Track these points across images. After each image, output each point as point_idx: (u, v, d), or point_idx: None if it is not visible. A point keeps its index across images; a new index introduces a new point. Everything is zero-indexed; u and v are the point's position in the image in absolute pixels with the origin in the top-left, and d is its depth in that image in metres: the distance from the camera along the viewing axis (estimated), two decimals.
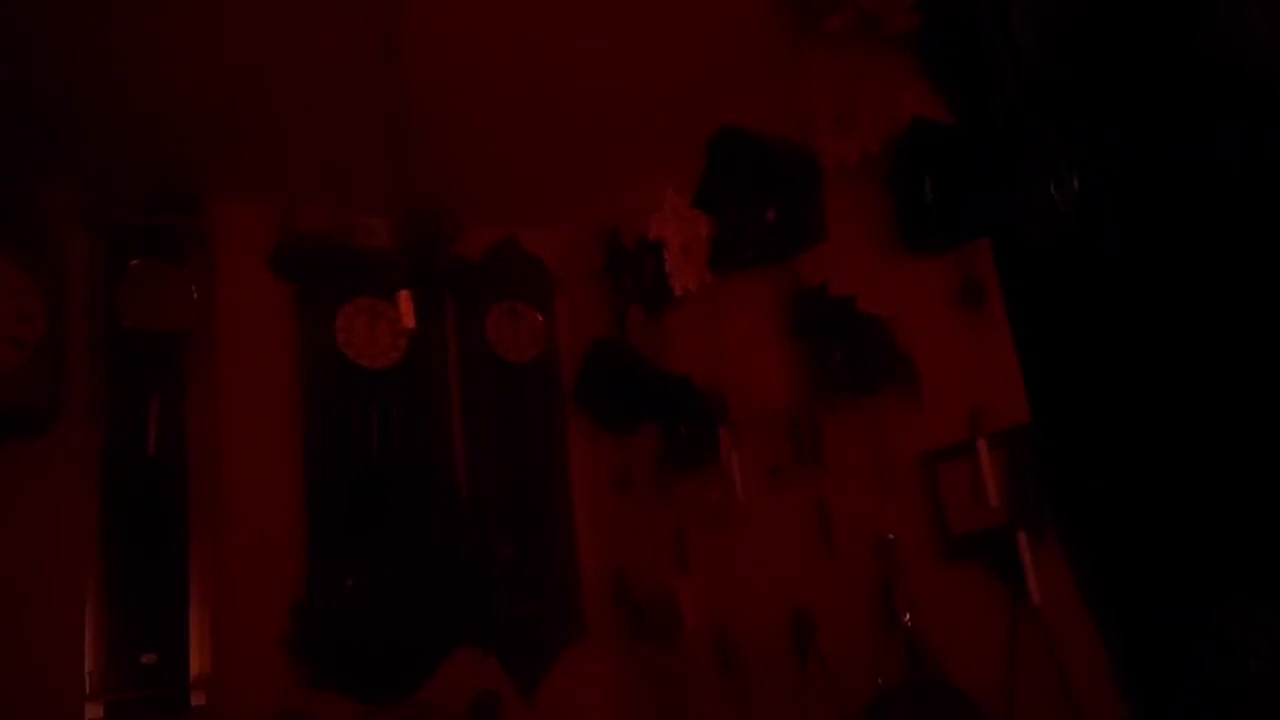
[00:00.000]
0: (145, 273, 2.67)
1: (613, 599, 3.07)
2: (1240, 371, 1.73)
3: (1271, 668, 1.67)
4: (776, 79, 2.52)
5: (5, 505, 2.45)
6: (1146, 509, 1.89)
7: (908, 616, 2.22)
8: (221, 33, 2.20)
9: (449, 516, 3.00)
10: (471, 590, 2.95)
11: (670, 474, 2.90)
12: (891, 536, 2.28)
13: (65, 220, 2.63)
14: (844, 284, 2.42)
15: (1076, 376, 1.99)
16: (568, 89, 2.58)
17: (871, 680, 2.25)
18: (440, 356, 3.16)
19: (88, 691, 2.38)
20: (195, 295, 2.72)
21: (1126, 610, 1.92)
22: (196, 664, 2.51)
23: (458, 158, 2.81)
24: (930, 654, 2.18)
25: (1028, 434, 2.04)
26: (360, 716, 2.67)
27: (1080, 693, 1.92)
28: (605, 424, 3.14)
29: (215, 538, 2.61)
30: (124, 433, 2.56)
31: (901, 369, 2.28)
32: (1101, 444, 1.95)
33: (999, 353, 2.08)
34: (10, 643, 2.37)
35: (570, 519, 3.23)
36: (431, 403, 3.08)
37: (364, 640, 2.72)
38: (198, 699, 2.49)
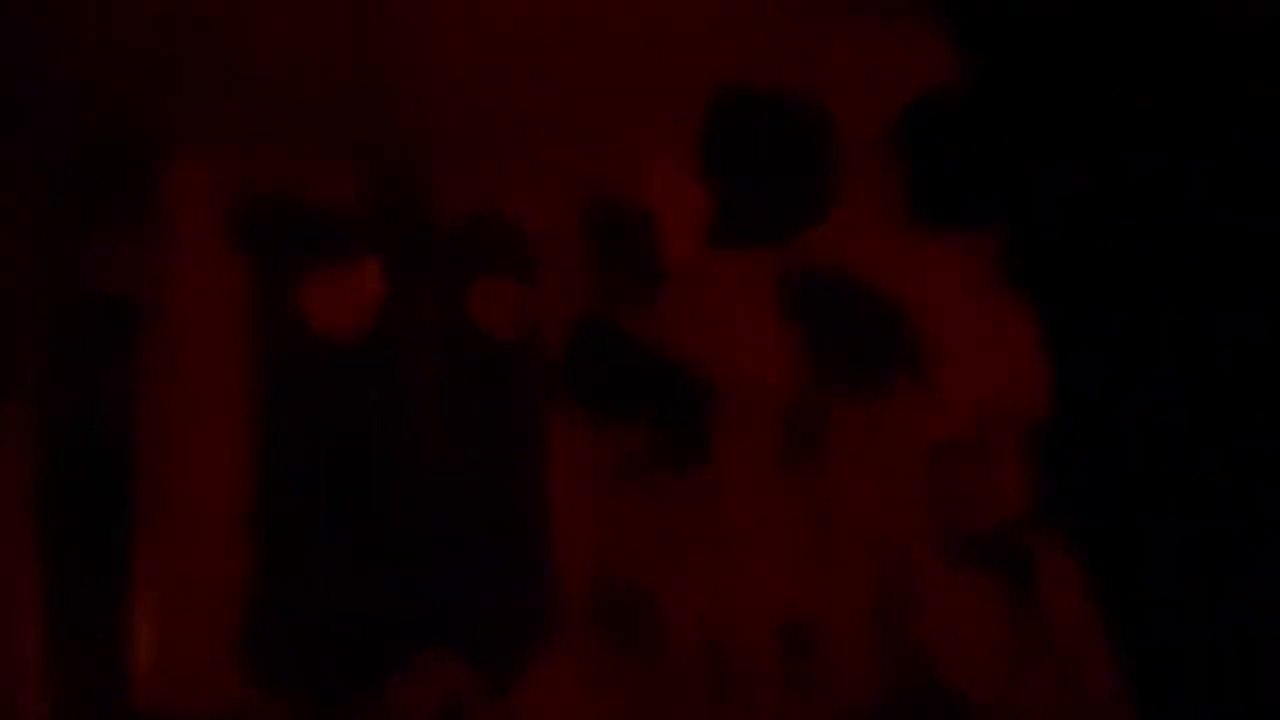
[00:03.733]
0: (93, 235, 2.55)
1: (593, 598, 2.99)
2: (1263, 370, 1.74)
3: None
4: (785, 38, 2.41)
5: None
6: (1169, 515, 1.90)
7: (911, 624, 2.17)
8: None
9: (417, 505, 2.86)
10: (440, 586, 2.81)
11: (658, 464, 2.77)
12: (895, 536, 2.22)
13: (6, 178, 2.49)
14: (851, 263, 2.33)
15: (1097, 371, 2.00)
16: (556, 44, 2.50)
17: (869, 690, 2.20)
18: (411, 331, 3.03)
19: (28, 688, 2.29)
20: (145, 259, 2.61)
21: (1141, 618, 1.95)
22: (143, 659, 2.42)
23: (435, 119, 2.71)
24: (933, 664, 2.14)
25: (1047, 430, 2.02)
26: (316, 717, 2.58)
27: (1090, 699, 1.93)
28: (589, 409, 3.06)
29: (164, 523, 2.51)
30: (67, 408, 2.46)
31: (911, 356, 2.23)
32: (1123, 443, 1.96)
33: (1018, 342, 2.05)
34: None
35: (550, 510, 3.14)
36: (403, 380, 2.94)
37: (321, 637, 2.62)
38: (143, 695, 2.40)
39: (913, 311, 2.24)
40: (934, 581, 2.17)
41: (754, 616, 2.50)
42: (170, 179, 2.68)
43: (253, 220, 2.79)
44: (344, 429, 2.81)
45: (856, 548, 2.31)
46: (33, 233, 2.52)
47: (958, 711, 2.07)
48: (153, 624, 2.45)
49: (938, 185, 2.18)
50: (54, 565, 2.39)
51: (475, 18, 2.40)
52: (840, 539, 2.35)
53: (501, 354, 3.17)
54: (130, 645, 2.43)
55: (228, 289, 2.75)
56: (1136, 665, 1.88)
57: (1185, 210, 1.83)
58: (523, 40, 2.47)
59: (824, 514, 2.38)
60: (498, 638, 2.92)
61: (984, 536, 2.10)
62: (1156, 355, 1.86)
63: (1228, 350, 1.77)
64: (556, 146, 2.97)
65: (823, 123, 2.38)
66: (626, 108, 2.76)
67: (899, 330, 2.24)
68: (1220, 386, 1.77)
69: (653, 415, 2.83)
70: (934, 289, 2.21)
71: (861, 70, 2.31)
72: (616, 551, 2.97)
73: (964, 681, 2.09)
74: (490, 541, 2.99)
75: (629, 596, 2.88)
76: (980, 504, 2.10)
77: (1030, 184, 2.04)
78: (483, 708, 2.83)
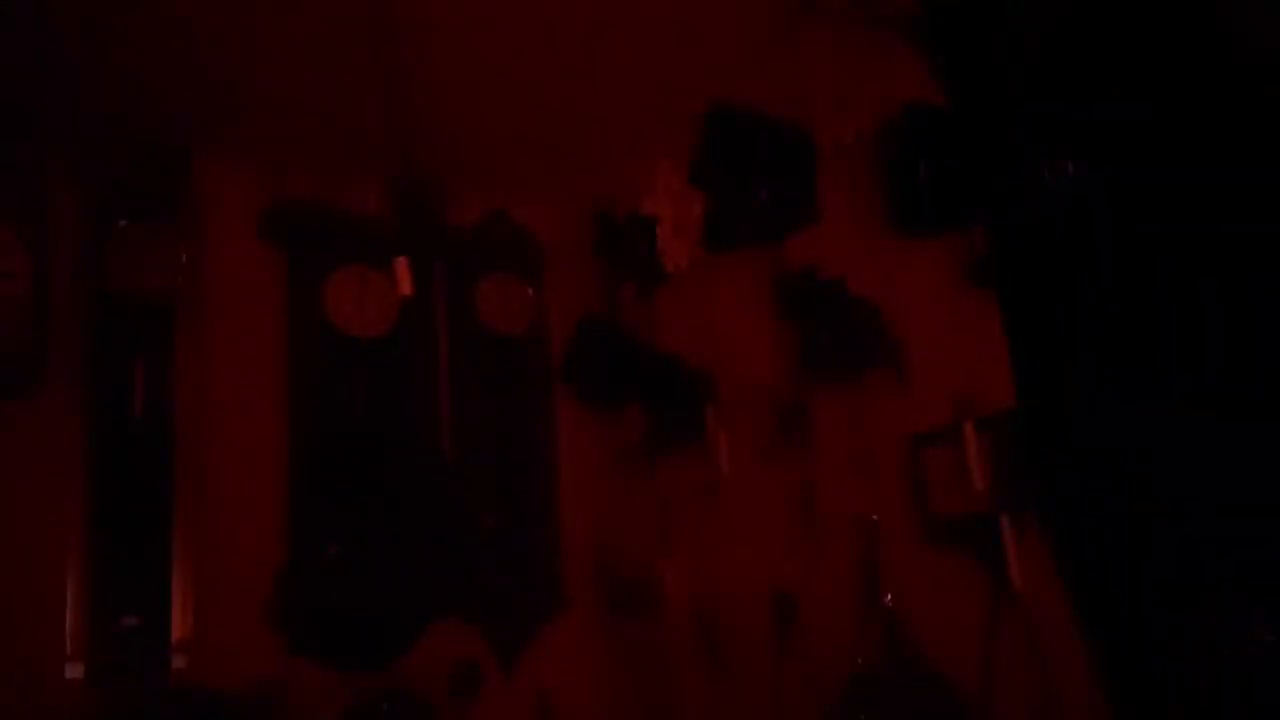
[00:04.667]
0: (133, 235, 2.64)
1: (595, 573, 3.09)
2: (1232, 359, 1.73)
3: (1251, 661, 1.66)
4: (772, 57, 2.50)
5: None
6: (1131, 497, 1.89)
7: (889, 597, 2.23)
8: None
9: (434, 487, 3.00)
10: (454, 561, 2.95)
11: (656, 451, 2.90)
12: (875, 518, 2.29)
13: (53, 180, 2.59)
14: (834, 265, 2.41)
15: (1065, 362, 1.99)
16: (563, 62, 2.55)
17: (851, 660, 2.26)
18: (429, 327, 3.14)
19: (69, 653, 2.39)
20: (183, 258, 2.70)
21: (1106, 598, 1.93)
22: (178, 628, 2.52)
23: (451, 128, 2.78)
24: (910, 635, 2.19)
25: (1014, 419, 2.05)
26: (340, 684, 2.67)
27: (1057, 677, 1.93)
28: (593, 400, 3.14)
29: (199, 503, 2.61)
30: (110, 396, 2.55)
31: (889, 352, 2.28)
32: (1088, 430, 1.95)
33: (987, 337, 2.07)
34: None
35: (555, 493, 3.23)
36: (419, 373, 3.07)
37: (346, 608, 2.73)
38: (179, 663, 2.50)
39: (889, 311, 2.30)
40: (909, 560, 2.23)
41: (745, 589, 2.59)
42: (207, 184, 2.79)
43: (285, 222, 2.91)
44: (366, 417, 2.90)
45: (839, 527, 2.38)
46: (78, 234, 2.61)
47: (933, 678, 2.12)
48: (190, 597, 2.55)
49: (913, 194, 2.22)
50: (96, 541, 2.49)
51: (491, 42, 2.46)
52: (823, 519, 2.44)
53: (510, 349, 3.25)
54: (168, 617, 2.53)
55: (261, 286, 2.86)
56: (1102, 640, 1.88)
57: (1149, 214, 1.83)
58: (533, 61, 2.54)
59: (808, 495, 2.46)
60: (509, 610, 3.03)
61: (956, 518, 2.12)
62: (1120, 347, 1.85)
63: (1191, 342, 1.76)
64: (563, 157, 3.07)
65: (807, 137, 2.44)
66: (627, 121, 2.85)
67: (877, 328, 2.31)
68: (1183, 376, 1.75)
69: (651, 406, 2.94)
70: (909, 290, 2.27)
71: (842, 89, 2.38)
72: (618, 530, 3.07)
73: (938, 651, 2.13)
74: (501, 521, 3.09)
75: (630, 572, 2.99)
76: (952, 488, 2.12)
77: (1001, 191, 2.04)
78: (496, 674, 2.95)
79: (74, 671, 2.41)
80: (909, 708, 2.19)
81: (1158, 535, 1.79)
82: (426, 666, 2.80)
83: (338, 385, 2.89)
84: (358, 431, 2.88)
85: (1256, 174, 1.68)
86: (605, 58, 2.56)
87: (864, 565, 2.30)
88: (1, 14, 2.14)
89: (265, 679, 2.56)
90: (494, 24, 2.36)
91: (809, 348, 2.44)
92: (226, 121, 2.70)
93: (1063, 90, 1.95)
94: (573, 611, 3.13)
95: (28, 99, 2.45)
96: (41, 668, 2.38)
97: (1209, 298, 1.74)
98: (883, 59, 2.27)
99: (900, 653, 2.19)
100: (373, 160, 2.78)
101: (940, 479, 2.18)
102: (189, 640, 2.52)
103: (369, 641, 2.75)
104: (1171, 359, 1.77)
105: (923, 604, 2.20)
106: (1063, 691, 1.92)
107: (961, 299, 2.15)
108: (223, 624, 2.58)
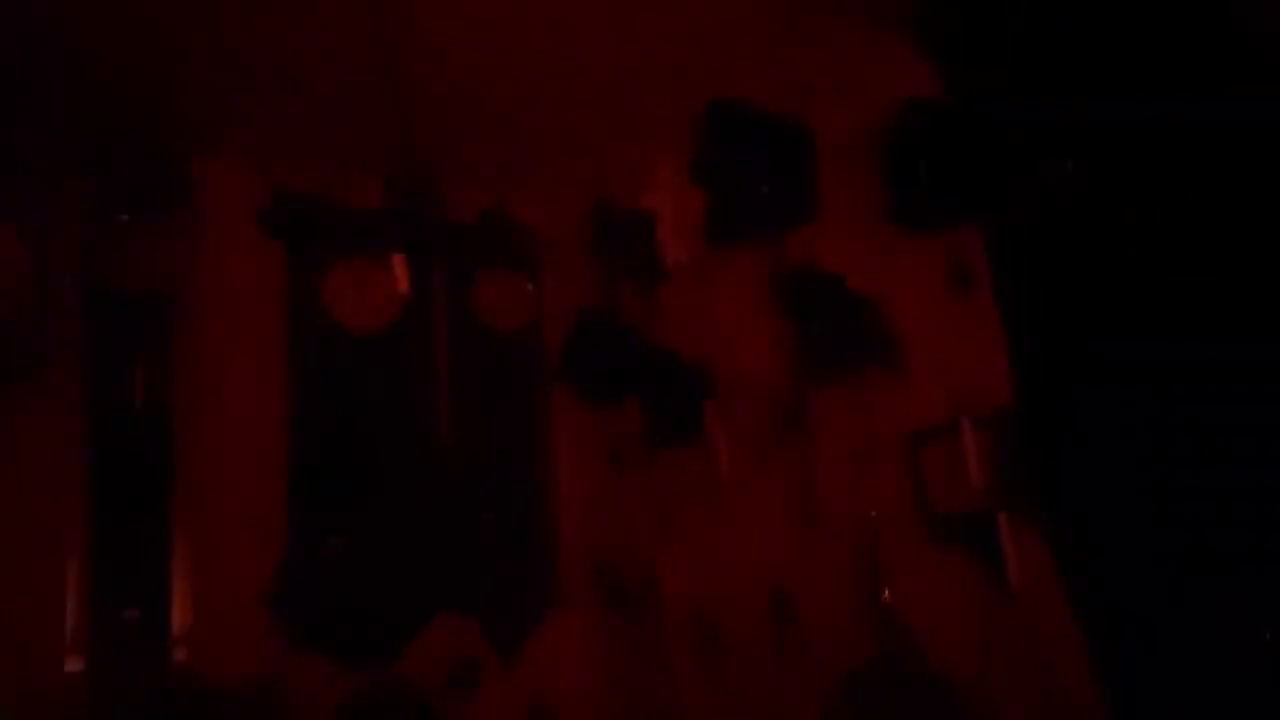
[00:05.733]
0: (132, 228, 2.64)
1: (593, 569, 3.09)
2: (1231, 354, 1.72)
3: (1251, 659, 1.67)
4: (773, 52, 2.49)
5: None
6: (1131, 495, 1.89)
7: (886, 594, 2.23)
8: None
9: (432, 481, 3.01)
10: (453, 556, 2.96)
11: (655, 447, 2.91)
12: (873, 515, 2.28)
13: (52, 173, 2.59)
14: (834, 262, 2.41)
15: (1064, 359, 1.98)
16: (562, 56, 2.54)
17: (849, 658, 2.26)
18: (428, 322, 3.14)
19: (68, 646, 2.40)
20: (182, 251, 2.70)
21: (1105, 596, 1.93)
22: (178, 620, 2.53)
23: (450, 122, 2.78)
24: (908, 633, 2.19)
25: (1012, 416, 2.04)
26: (340, 678, 2.67)
27: (1056, 675, 1.93)
28: (591, 396, 3.12)
29: (199, 496, 2.62)
30: (109, 387, 2.57)
31: (888, 349, 2.29)
32: (1087, 428, 1.95)
33: (986, 334, 2.07)
34: None
35: (553, 489, 3.24)
36: (417, 367, 3.08)
37: (345, 603, 2.67)
38: (179, 655, 2.51)
39: (889, 307, 2.31)
40: (908, 557, 2.23)
41: (743, 586, 2.60)
42: (206, 178, 2.79)
43: (284, 217, 2.91)
44: (365, 411, 2.92)
45: (837, 524, 2.38)
46: (78, 228, 2.61)
47: (931, 676, 2.12)
48: (190, 590, 2.57)
49: (913, 190, 2.21)
50: (96, 534, 2.50)
51: (489, 40, 2.46)
52: (821, 516, 2.44)
53: (508, 344, 3.25)
54: (168, 610, 2.55)
55: (260, 279, 2.87)
56: (1101, 638, 1.87)
57: (1149, 210, 1.82)
58: (533, 54, 2.54)
59: (807, 493, 2.46)
60: (508, 606, 3.04)
61: (954, 516, 2.12)
62: (1123, 345, 1.85)
63: (1199, 340, 1.75)
64: (562, 152, 3.05)
65: (807, 133, 2.42)
66: (627, 117, 2.84)
67: (876, 324, 2.31)
68: (1191, 375, 1.75)
69: (649, 402, 2.94)
70: (908, 287, 2.27)
71: (843, 85, 2.38)
72: (616, 526, 3.07)
73: (936, 648, 2.13)
74: (499, 516, 3.10)
75: (626, 569, 2.99)
76: (951, 485, 2.12)
77: (1002, 188, 2.03)
78: (494, 670, 2.95)
79: (73, 664, 2.42)
80: (907, 706, 2.18)
81: (1157, 533, 1.79)
82: (425, 661, 2.79)
83: (337, 379, 2.90)
84: (356, 425, 2.89)
85: (1256, 172, 1.68)
86: (605, 52, 2.55)
87: (862, 563, 2.29)
88: (1, 8, 2.14)
89: (264, 672, 2.57)
90: (493, 18, 2.35)
91: (808, 344, 2.45)
92: (226, 116, 2.70)
93: (1063, 89, 1.95)
94: (571, 608, 3.13)
95: (27, 92, 2.44)
96: (41, 660, 2.38)
97: (1210, 294, 1.74)
98: (884, 55, 2.26)
99: (899, 651, 2.19)
100: (372, 155, 2.77)
101: (939, 477, 2.17)
102: (189, 633, 2.53)
103: (368, 636, 2.72)
104: (1172, 356, 1.77)
105: (921, 602, 2.20)
106: (1062, 689, 1.92)
107: (960, 296, 2.15)
108: (222, 617, 2.58)
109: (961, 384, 2.13)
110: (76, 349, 2.56)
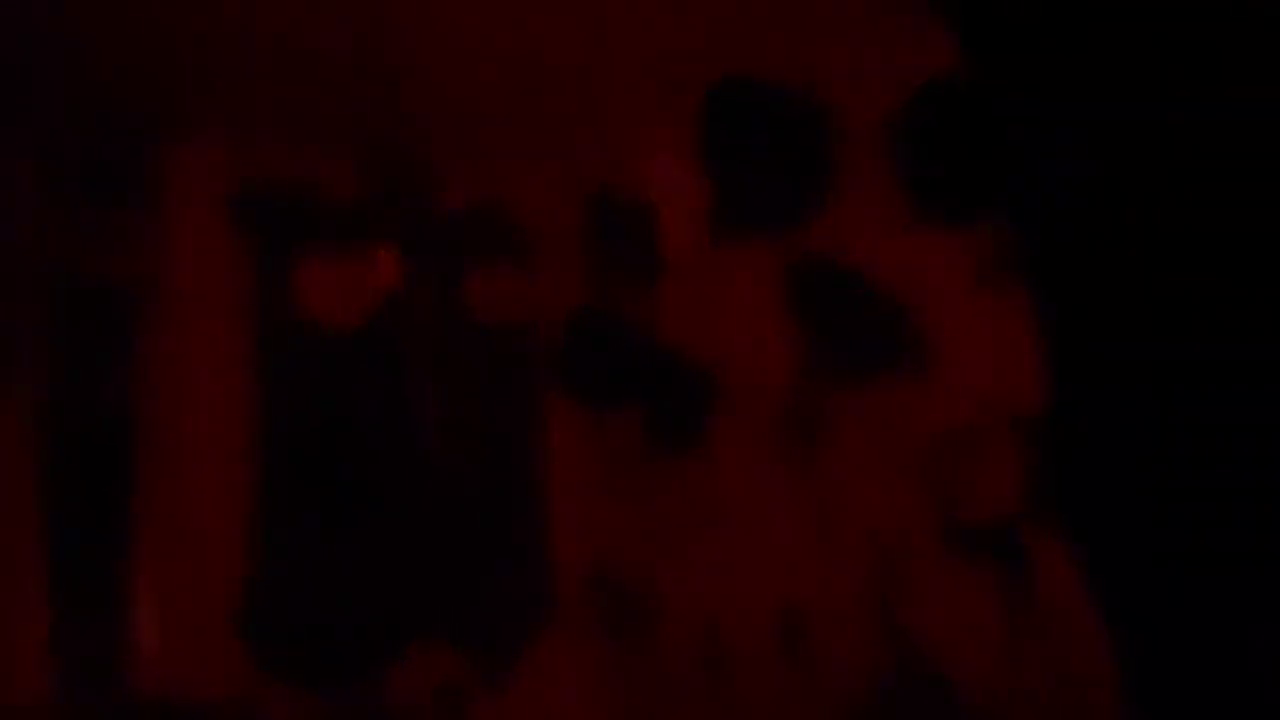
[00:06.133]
0: (93, 219, 2.57)
1: (590, 586, 3.01)
2: (1263, 364, 1.71)
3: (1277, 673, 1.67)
4: (785, 30, 2.40)
5: None
6: (1162, 506, 1.86)
7: (906, 611, 2.20)
8: None
9: (416, 491, 2.89)
10: (438, 571, 2.85)
11: (656, 454, 2.79)
12: (892, 527, 2.24)
13: (8, 160, 2.50)
14: (851, 254, 2.34)
15: (1103, 361, 1.96)
16: (558, 36, 2.49)
17: (865, 680, 2.22)
18: (411, 319, 3.04)
19: (27, 667, 2.33)
20: (145, 244, 2.63)
21: (1140, 613, 1.90)
22: (143, 640, 2.46)
23: (438, 107, 2.71)
24: (928, 653, 2.16)
25: (1045, 422, 2.02)
26: (315, 705, 2.60)
27: (1086, 698, 1.90)
28: (588, 399, 3.07)
29: (165, 507, 2.54)
30: (68, 392, 2.49)
31: (911, 349, 2.24)
32: (1118, 438, 1.92)
33: (1015, 335, 2.03)
34: None
35: (547, 499, 3.15)
36: (400, 368, 2.96)
37: (320, 623, 2.64)
38: (143, 676, 2.44)
39: (911, 304, 2.25)
40: (929, 572, 2.19)
41: (751, 604, 2.53)
42: (171, 166, 2.68)
43: (253, 207, 2.79)
44: (342, 415, 2.83)
45: (853, 537, 2.32)
46: (35, 220, 2.52)
47: (951, 699, 2.10)
48: (155, 608, 2.48)
49: (937, 179, 2.19)
50: (58, 549, 2.41)
51: (478, 13, 2.40)
52: (837, 529, 2.37)
53: (499, 342, 3.19)
54: (133, 628, 2.45)
55: (228, 274, 2.76)
56: (1130, 658, 1.88)
57: (1190, 203, 1.82)
58: (525, 35, 2.47)
59: (821, 504, 2.40)
60: (494, 626, 2.94)
61: (979, 528, 2.11)
62: (1157, 349, 1.84)
63: (1230, 344, 1.76)
64: (557, 138, 2.97)
65: (822, 115, 2.38)
66: (627, 101, 2.77)
67: (898, 323, 2.26)
68: (1222, 380, 1.75)
69: (650, 405, 2.87)
70: (933, 282, 2.22)
71: (861, 63, 2.31)
72: (613, 540, 2.99)
73: (957, 670, 2.11)
74: (486, 530, 3.01)
75: (626, 585, 2.91)
76: (976, 496, 2.12)
77: (1030, 177, 2.02)
78: (479, 696, 2.88)
79: (34, 685, 2.35)
80: None
81: (1198, 547, 1.79)
82: (408, 685, 2.72)
83: (313, 380, 2.81)
84: (334, 430, 2.80)
85: None
86: (604, 30, 2.49)
87: (880, 579, 2.25)
88: None
89: (234, 695, 2.50)
90: (487, 2, 2.35)
91: (823, 344, 2.38)
92: (195, 97, 2.61)
93: (1094, 70, 1.94)
94: (566, 627, 3.04)
95: None
96: (1, 680, 2.33)
97: (1250, 294, 1.74)
98: (907, 30, 2.16)
99: (918, 672, 2.17)
100: (353, 140, 2.72)
101: (965, 486, 2.15)
102: (153, 653, 2.46)
103: (345, 656, 2.68)
104: (1211, 362, 1.78)
105: (942, 617, 2.17)
106: (1089, 708, 1.88)
107: (990, 292, 2.11)
108: (189, 636, 2.51)
109: (991, 387, 2.10)
110: (32, 350, 2.49)
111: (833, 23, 2.34)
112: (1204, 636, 1.71)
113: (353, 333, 2.88)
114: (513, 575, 3.04)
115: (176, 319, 2.65)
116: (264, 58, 2.48)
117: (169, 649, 2.47)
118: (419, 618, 2.82)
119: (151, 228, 2.64)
